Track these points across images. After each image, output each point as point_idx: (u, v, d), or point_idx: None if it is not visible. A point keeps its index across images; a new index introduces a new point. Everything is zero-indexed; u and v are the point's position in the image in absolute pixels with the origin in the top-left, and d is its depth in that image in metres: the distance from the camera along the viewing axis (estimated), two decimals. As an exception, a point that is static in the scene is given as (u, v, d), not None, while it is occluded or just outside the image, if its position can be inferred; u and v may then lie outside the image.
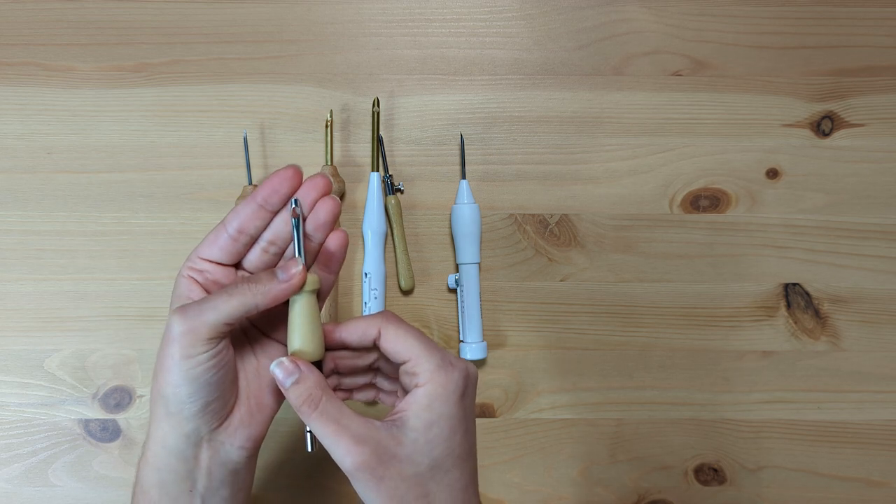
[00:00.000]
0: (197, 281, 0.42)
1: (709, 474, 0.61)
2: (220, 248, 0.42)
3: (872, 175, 0.62)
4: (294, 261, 0.42)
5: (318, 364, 0.42)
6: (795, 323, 0.61)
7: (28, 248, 0.60)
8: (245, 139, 0.59)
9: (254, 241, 0.43)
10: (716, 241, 0.62)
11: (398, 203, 0.60)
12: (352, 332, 0.43)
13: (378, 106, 0.60)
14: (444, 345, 0.60)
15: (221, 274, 0.43)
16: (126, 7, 0.61)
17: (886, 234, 0.62)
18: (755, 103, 0.62)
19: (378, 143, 0.60)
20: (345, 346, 0.43)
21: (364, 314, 0.54)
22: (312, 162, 0.60)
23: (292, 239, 0.42)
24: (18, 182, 0.60)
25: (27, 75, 0.61)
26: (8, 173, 0.60)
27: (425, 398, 0.40)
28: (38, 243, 0.60)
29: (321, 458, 0.59)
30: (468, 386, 0.41)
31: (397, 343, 0.42)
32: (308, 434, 0.43)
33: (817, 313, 0.62)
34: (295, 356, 0.41)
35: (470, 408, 0.42)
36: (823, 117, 0.62)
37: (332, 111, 0.60)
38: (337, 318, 0.59)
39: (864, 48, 0.63)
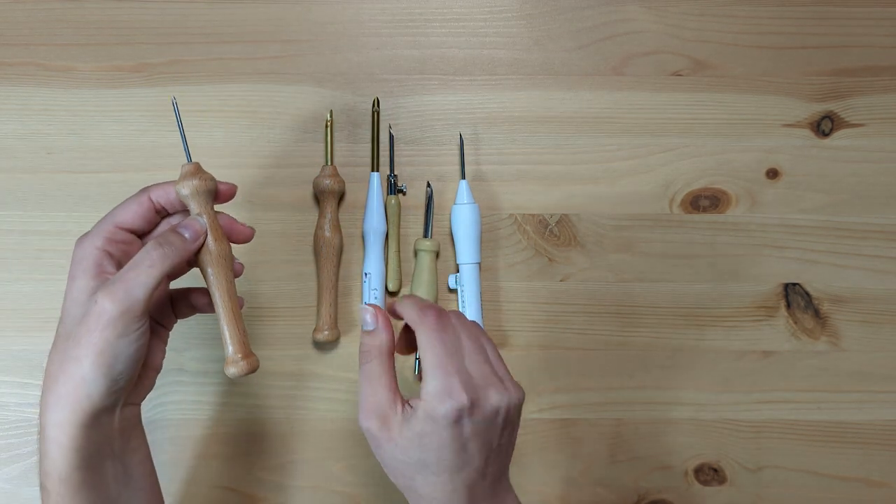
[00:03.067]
0: (112, 255, 0.43)
1: (709, 474, 0.61)
2: (143, 217, 0.44)
3: (872, 175, 0.62)
4: (195, 220, 0.44)
5: None
6: (795, 323, 0.61)
7: (28, 248, 0.60)
8: (175, 105, 0.47)
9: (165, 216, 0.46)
10: (716, 241, 0.62)
11: (398, 203, 0.60)
12: (406, 313, 0.45)
13: (378, 106, 0.60)
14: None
15: (136, 245, 0.44)
16: (126, 7, 0.61)
17: (886, 234, 0.62)
18: (755, 103, 0.62)
19: (389, 141, 0.60)
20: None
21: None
22: (312, 162, 0.60)
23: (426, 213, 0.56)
24: (18, 182, 0.60)
25: (27, 75, 0.61)
26: (8, 173, 0.60)
27: (422, 412, 0.42)
28: (38, 243, 0.60)
29: (320, 458, 0.59)
30: (464, 417, 0.41)
31: (422, 351, 0.43)
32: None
33: (817, 313, 0.62)
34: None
35: (472, 434, 0.42)
36: (823, 117, 0.62)
37: (331, 111, 0.60)
38: (336, 319, 0.59)
39: (864, 48, 0.63)
